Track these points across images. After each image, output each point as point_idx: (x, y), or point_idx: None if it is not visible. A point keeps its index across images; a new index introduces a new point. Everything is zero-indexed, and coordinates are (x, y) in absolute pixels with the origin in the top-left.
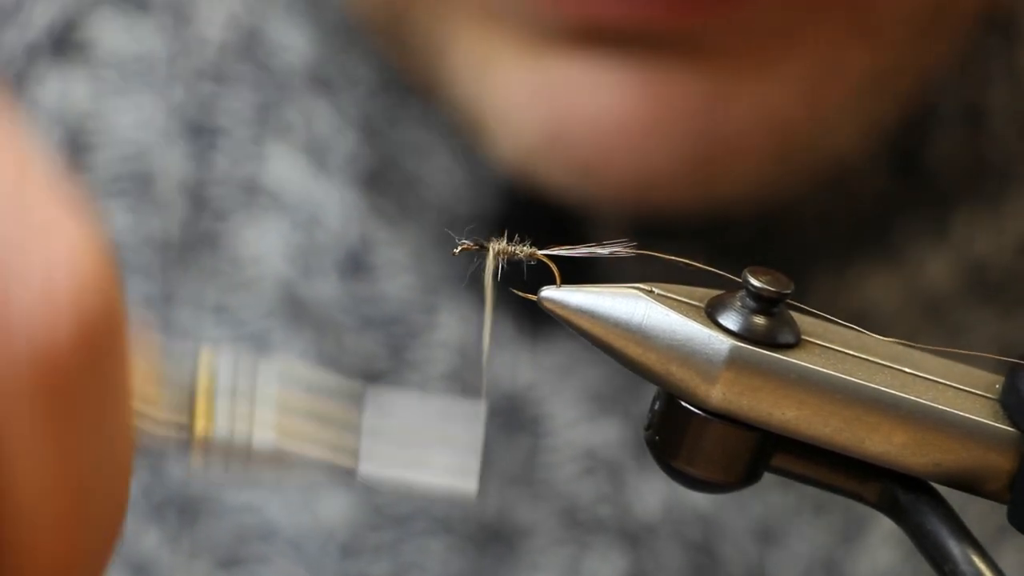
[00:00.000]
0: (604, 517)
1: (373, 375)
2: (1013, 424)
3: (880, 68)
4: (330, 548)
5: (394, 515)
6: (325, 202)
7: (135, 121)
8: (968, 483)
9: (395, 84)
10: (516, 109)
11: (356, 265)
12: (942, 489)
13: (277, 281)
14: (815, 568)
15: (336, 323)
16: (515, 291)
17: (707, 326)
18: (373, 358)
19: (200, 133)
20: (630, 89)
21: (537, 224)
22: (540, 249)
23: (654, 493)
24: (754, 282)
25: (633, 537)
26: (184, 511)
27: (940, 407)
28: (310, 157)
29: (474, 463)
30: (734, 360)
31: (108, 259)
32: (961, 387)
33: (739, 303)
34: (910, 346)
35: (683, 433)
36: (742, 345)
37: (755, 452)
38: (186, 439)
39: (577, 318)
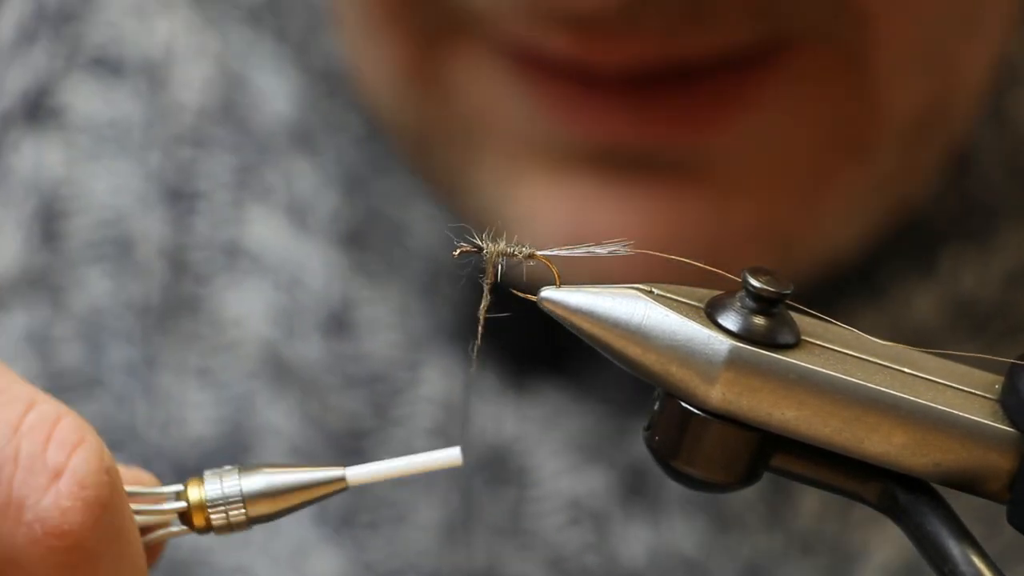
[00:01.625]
0: (591, 566)
1: (358, 433)
2: (1013, 424)
3: (874, 179)
4: None
5: (384, 572)
6: (307, 262)
7: (111, 187)
8: (968, 483)
9: (380, 132)
10: (536, 220)
11: (339, 324)
12: (942, 489)
13: (260, 343)
14: None
15: (320, 383)
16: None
17: (707, 326)
18: (357, 417)
19: (179, 198)
20: (638, 205)
21: None
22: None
23: (639, 541)
24: (754, 282)
25: None
26: (174, 575)
27: (940, 407)
28: (291, 218)
29: (455, 448)
30: (734, 360)
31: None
32: (961, 387)
33: (739, 303)
34: (910, 348)
35: (683, 433)
36: (742, 345)
37: (755, 452)
38: (184, 508)
39: (577, 318)
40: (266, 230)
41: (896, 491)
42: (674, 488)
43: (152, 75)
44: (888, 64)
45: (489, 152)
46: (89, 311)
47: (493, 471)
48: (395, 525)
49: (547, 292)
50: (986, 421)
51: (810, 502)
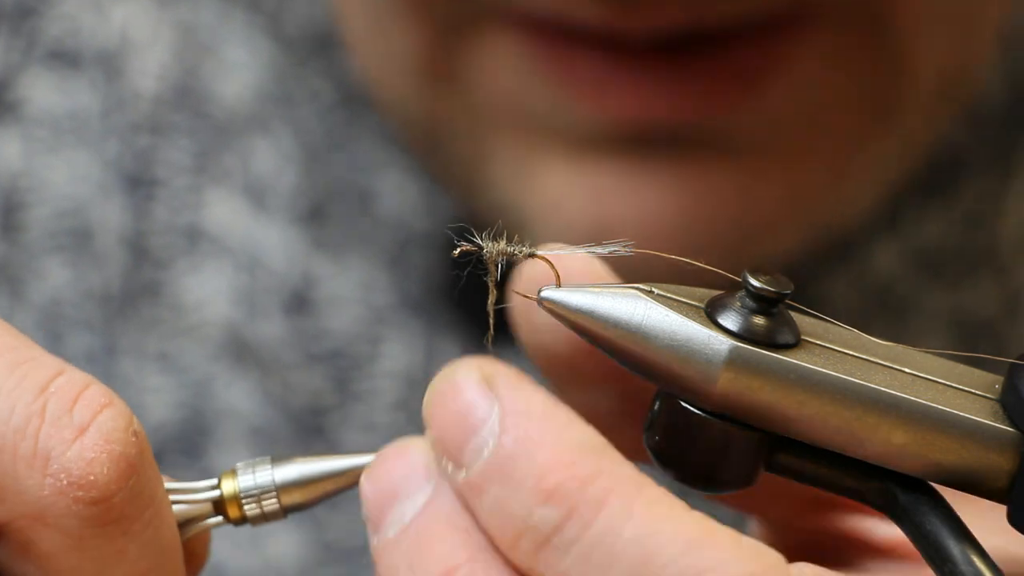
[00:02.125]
0: None
1: (319, 410)
2: (1013, 424)
3: (906, 141)
4: None
5: (343, 549)
6: (266, 242)
7: (70, 177)
8: (968, 483)
9: (354, 98)
10: (558, 208)
11: (300, 302)
12: (942, 489)
13: (221, 325)
14: None
15: (281, 361)
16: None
17: (707, 326)
18: (319, 393)
19: (138, 185)
20: (665, 187)
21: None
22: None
23: None
24: (754, 282)
25: None
26: None
27: (940, 407)
28: (250, 198)
29: None
30: (734, 360)
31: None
32: (961, 387)
33: (739, 303)
34: (910, 348)
35: (683, 433)
36: (742, 345)
37: (755, 452)
38: (218, 497)
39: (577, 318)
40: (225, 212)
41: (896, 491)
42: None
43: (108, 65)
44: (913, 27)
45: (507, 143)
46: (49, 301)
47: None
48: (356, 502)
49: (548, 292)
50: (986, 421)
51: None
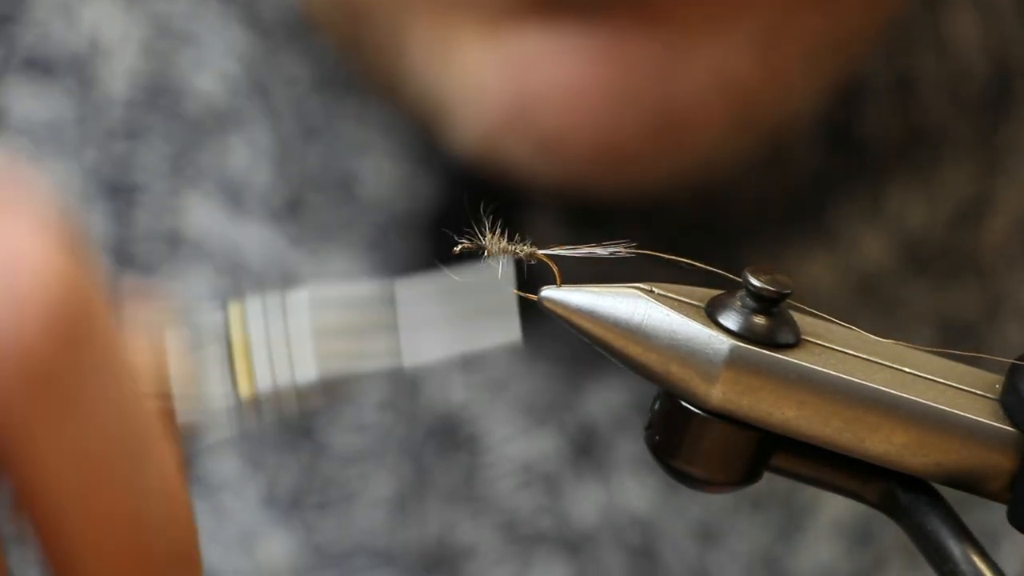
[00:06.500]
0: (544, 528)
1: (307, 413)
2: (1013, 424)
3: (832, 30)
4: None
5: (335, 553)
6: (245, 243)
7: (51, 187)
8: (968, 483)
9: (332, 81)
10: (477, 87)
11: None
12: (942, 489)
13: None
14: (755, 565)
15: None
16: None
17: (707, 326)
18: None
19: (118, 192)
20: (588, 56)
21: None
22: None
23: (590, 500)
24: (754, 282)
25: (574, 546)
26: None
27: (940, 407)
28: (226, 199)
29: (512, 314)
30: (734, 360)
31: (74, 246)
32: (961, 387)
33: (739, 303)
34: (910, 347)
35: (683, 433)
36: (742, 345)
37: (755, 452)
38: (235, 402)
39: (577, 318)
40: (204, 214)
41: (897, 491)
42: (624, 448)
43: (80, 72)
44: None
45: (420, 16)
46: None
47: (443, 440)
48: (346, 504)
49: (548, 292)
50: (987, 421)
51: None
